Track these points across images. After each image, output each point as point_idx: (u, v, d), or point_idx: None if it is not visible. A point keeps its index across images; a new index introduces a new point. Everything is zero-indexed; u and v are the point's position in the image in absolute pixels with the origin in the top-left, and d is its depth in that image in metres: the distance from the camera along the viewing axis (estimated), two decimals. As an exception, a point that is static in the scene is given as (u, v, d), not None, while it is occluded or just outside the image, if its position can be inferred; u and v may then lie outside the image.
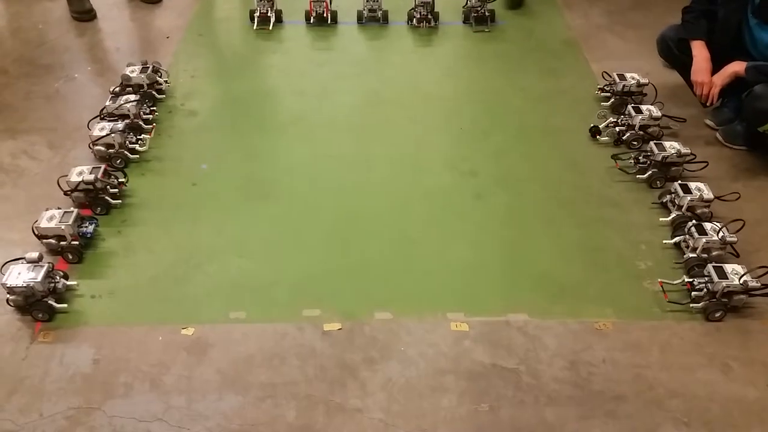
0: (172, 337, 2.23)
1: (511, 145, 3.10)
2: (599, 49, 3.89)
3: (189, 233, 2.61)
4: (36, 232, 2.47)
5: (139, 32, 4.13)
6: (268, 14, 3.98)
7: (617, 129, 3.06)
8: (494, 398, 2.05)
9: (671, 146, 2.82)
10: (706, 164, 2.89)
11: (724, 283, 2.24)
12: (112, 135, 2.84)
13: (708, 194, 2.59)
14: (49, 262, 2.30)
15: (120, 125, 2.90)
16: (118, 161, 2.88)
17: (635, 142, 3.02)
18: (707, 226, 2.44)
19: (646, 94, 3.31)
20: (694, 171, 2.89)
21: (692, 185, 2.62)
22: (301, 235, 2.63)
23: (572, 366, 2.15)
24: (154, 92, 3.32)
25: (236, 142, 3.14)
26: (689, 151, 2.84)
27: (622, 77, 3.28)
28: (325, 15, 3.93)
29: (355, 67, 3.66)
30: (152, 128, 3.08)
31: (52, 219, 2.45)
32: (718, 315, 2.28)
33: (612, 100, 3.29)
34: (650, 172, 2.84)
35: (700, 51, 3.01)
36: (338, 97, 3.46)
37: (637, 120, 2.98)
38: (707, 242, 2.39)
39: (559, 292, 2.38)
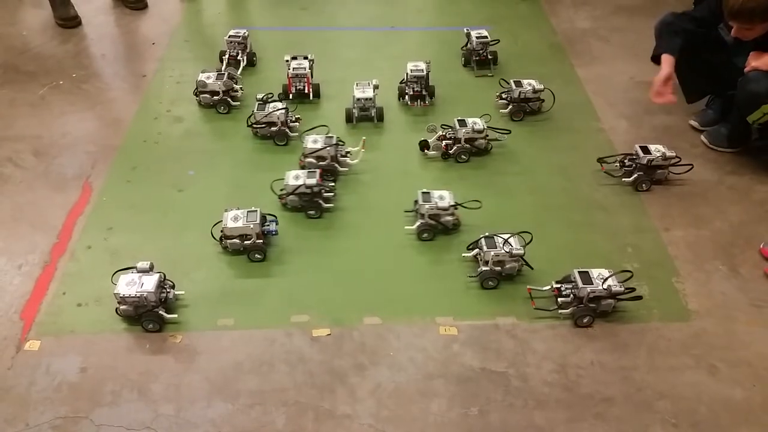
0: (160, 344, 2.21)
1: (499, 151, 3.11)
2: (584, 54, 3.92)
3: (175, 240, 2.60)
4: (221, 234, 2.49)
5: (125, 39, 4.12)
6: (238, 57, 3.66)
7: (443, 143, 3.03)
8: (484, 402, 2.05)
9: (656, 149, 2.85)
10: (691, 167, 2.91)
11: (589, 288, 2.24)
12: (327, 148, 2.84)
13: (446, 202, 2.57)
14: (160, 272, 2.29)
15: (333, 138, 2.89)
16: (327, 174, 2.86)
17: (463, 156, 3.02)
18: (498, 239, 2.41)
19: (543, 100, 3.33)
20: (679, 174, 2.92)
21: (435, 193, 2.60)
22: (288, 239, 2.62)
23: (561, 369, 2.15)
24: (229, 99, 3.31)
25: (222, 147, 3.13)
26: (674, 153, 2.87)
27: (518, 84, 3.29)
28: (306, 91, 3.43)
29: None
30: (363, 141, 2.94)
31: (237, 219, 2.47)
32: (586, 320, 2.28)
33: (510, 107, 3.31)
34: (636, 175, 2.86)
35: (664, 67, 2.93)
36: (326, 100, 3.47)
37: (462, 133, 2.99)
38: (496, 255, 2.38)
39: (548, 295, 2.39)
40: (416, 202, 2.65)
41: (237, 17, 4.38)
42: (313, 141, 2.88)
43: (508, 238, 2.41)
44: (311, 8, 4.43)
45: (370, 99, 3.30)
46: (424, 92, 3.41)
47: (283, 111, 3.08)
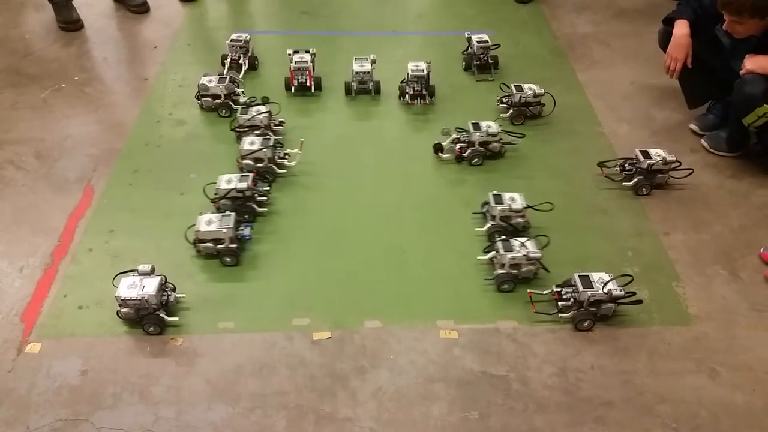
0: (161, 347, 2.22)
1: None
2: (585, 58, 3.93)
3: (177, 243, 2.60)
4: (193, 237, 2.49)
5: (127, 42, 4.13)
6: (240, 61, 3.66)
7: (458, 146, 3.04)
8: (484, 406, 2.05)
9: (657, 153, 2.85)
10: (691, 171, 2.92)
11: (589, 292, 2.24)
12: (264, 150, 2.84)
13: (518, 204, 2.58)
14: (161, 274, 2.29)
15: (270, 140, 2.90)
16: (266, 175, 2.89)
17: (477, 159, 3.03)
18: (514, 242, 2.42)
19: (544, 104, 3.34)
20: (679, 178, 2.92)
21: (506, 195, 2.61)
22: (290, 243, 2.63)
23: (561, 372, 2.15)
24: (230, 102, 3.33)
25: (224, 151, 3.13)
26: (674, 158, 2.87)
27: (519, 88, 3.30)
28: (308, 84, 3.52)
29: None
30: (301, 143, 2.96)
31: (210, 223, 2.46)
32: (586, 324, 2.28)
33: (510, 111, 3.32)
34: (636, 180, 2.86)
35: (680, 28, 3.00)
36: (330, 107, 3.48)
37: (476, 136, 3.00)
38: (512, 258, 2.38)
39: (548, 299, 2.39)
40: (486, 203, 2.66)
41: (239, 21, 4.39)
42: (250, 143, 2.88)
43: (525, 241, 2.41)
44: (313, 12, 4.44)
45: (368, 72, 3.48)
46: (424, 91, 3.46)
47: (267, 114, 3.09)
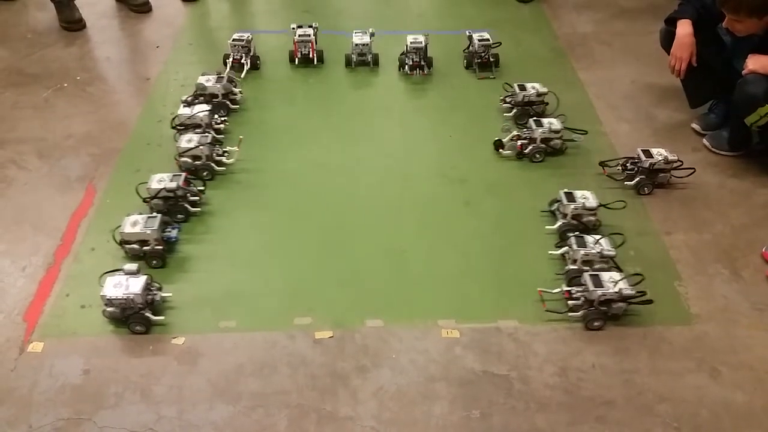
0: (163, 346, 2.22)
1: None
2: (586, 58, 3.93)
3: (178, 242, 2.61)
4: (119, 238, 2.47)
5: (129, 42, 4.14)
6: (242, 61, 3.68)
7: (519, 142, 3.05)
8: (485, 405, 2.06)
9: (658, 153, 2.85)
10: (693, 170, 2.92)
11: (600, 291, 2.24)
12: (201, 147, 2.83)
13: (592, 202, 2.58)
14: (147, 274, 2.29)
15: (208, 137, 2.89)
16: (204, 173, 2.88)
17: (538, 155, 3.04)
18: (588, 238, 2.43)
19: (547, 104, 3.33)
20: (681, 177, 2.92)
21: (578, 193, 2.61)
22: (292, 243, 2.63)
23: (562, 372, 2.16)
24: (228, 102, 3.32)
25: (226, 150, 3.14)
26: (676, 157, 2.87)
27: (522, 87, 3.30)
28: (311, 56, 3.72)
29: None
30: (240, 140, 2.99)
31: (135, 224, 2.45)
32: (597, 324, 2.28)
33: (514, 110, 3.32)
34: (638, 179, 2.86)
35: (684, 28, 3.00)
36: (329, 106, 3.48)
37: (538, 133, 3.00)
38: (586, 254, 2.38)
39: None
40: (556, 201, 2.67)
41: (240, 20, 4.39)
42: (188, 140, 2.87)
43: (600, 239, 2.41)
44: (314, 11, 4.44)
45: (367, 45, 3.70)
46: (422, 62, 3.64)
47: (208, 113, 3.08)
